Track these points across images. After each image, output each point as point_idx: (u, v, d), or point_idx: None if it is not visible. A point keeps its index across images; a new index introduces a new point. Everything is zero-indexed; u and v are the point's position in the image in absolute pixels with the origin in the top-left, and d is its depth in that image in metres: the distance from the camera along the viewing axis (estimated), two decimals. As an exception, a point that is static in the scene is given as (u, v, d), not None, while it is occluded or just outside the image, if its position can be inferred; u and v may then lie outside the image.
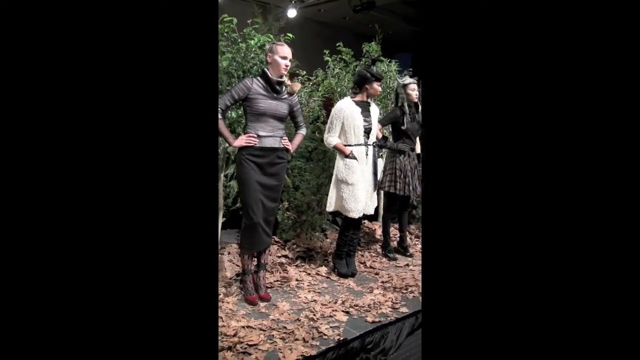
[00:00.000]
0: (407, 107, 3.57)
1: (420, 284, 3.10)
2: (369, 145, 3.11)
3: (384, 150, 3.71)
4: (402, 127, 3.54)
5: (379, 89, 3.13)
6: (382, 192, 4.15)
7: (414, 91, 3.58)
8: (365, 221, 4.34)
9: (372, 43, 4.53)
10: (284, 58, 2.55)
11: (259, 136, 2.55)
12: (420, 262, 3.68)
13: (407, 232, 4.04)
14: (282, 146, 2.64)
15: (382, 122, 3.57)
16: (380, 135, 3.50)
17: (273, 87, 2.58)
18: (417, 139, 3.72)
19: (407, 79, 3.61)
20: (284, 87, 2.64)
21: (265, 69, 2.59)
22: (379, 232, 4.21)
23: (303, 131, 2.85)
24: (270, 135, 2.59)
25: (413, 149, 3.65)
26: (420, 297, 2.89)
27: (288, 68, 2.59)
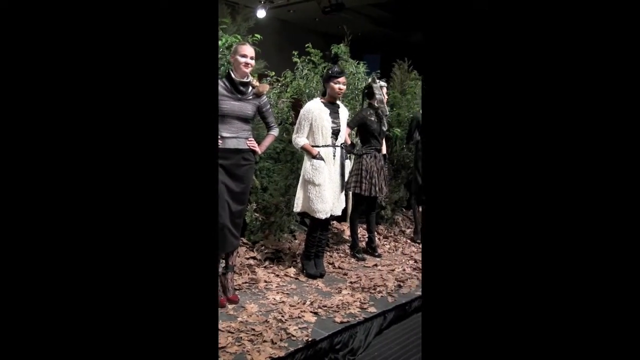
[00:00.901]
0: (384, 108, 3.62)
1: (387, 284, 3.13)
2: (337, 146, 3.12)
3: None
4: (383, 128, 3.58)
5: (337, 87, 3.08)
6: (349, 192, 4.18)
7: (386, 94, 3.65)
8: (334, 222, 4.36)
9: (341, 44, 4.56)
10: (244, 56, 2.53)
11: (222, 137, 2.53)
12: (388, 262, 3.72)
13: (376, 233, 4.08)
14: (248, 147, 2.62)
15: (350, 124, 3.59)
16: (349, 141, 3.52)
17: (237, 88, 2.56)
18: (383, 140, 3.77)
19: (380, 82, 3.67)
20: (249, 88, 2.62)
21: (230, 70, 2.58)
22: (347, 233, 4.23)
23: (274, 132, 2.83)
24: (234, 137, 2.56)
25: (379, 150, 3.70)
26: (388, 297, 2.92)
27: (249, 67, 2.56)
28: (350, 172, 3.63)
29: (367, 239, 4.02)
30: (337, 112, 3.13)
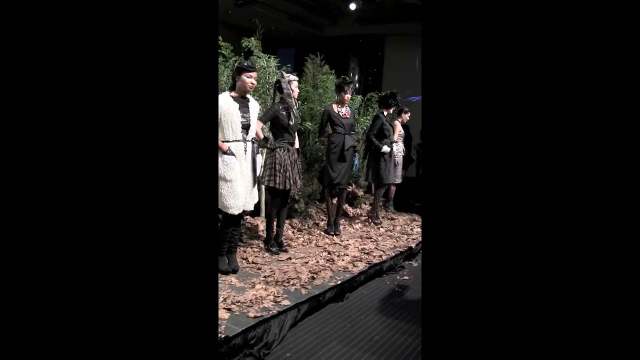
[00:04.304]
0: (292, 103, 3.63)
1: (301, 276, 3.17)
2: (248, 141, 3.10)
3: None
4: (285, 122, 3.59)
5: (249, 81, 3.04)
6: (262, 187, 4.17)
7: (296, 87, 3.67)
8: (248, 217, 4.33)
9: (252, 38, 4.51)
10: None
11: None
12: (302, 255, 3.76)
13: (290, 227, 4.10)
14: None
15: (263, 119, 3.57)
16: (261, 135, 3.51)
17: None
18: (295, 133, 3.80)
19: (291, 76, 3.68)
20: None
21: None
22: (261, 228, 4.22)
23: None
24: None
25: (292, 144, 3.72)
26: (302, 289, 2.96)
27: None
28: (263, 166, 3.62)
29: (274, 234, 4.03)
30: (247, 107, 3.10)
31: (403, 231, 5.07)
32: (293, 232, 4.42)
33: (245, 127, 3.05)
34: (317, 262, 3.60)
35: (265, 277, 3.15)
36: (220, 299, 2.69)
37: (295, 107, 3.76)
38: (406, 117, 5.98)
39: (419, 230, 5.15)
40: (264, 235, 4.02)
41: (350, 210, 5.67)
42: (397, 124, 5.65)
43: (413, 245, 4.52)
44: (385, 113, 5.05)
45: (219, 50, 4.30)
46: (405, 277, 3.86)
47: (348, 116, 4.43)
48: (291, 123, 3.62)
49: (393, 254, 4.11)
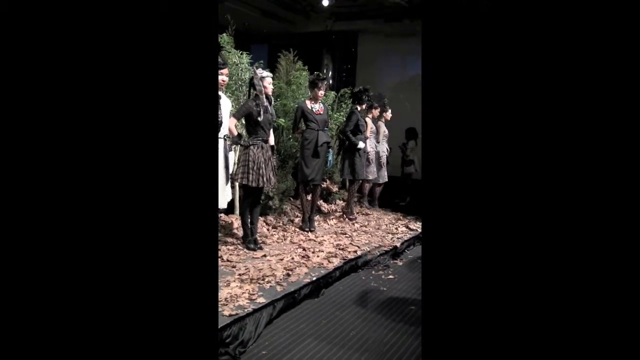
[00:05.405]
0: (263, 99, 3.60)
1: (276, 273, 3.16)
2: (220, 138, 3.06)
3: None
4: (259, 119, 3.56)
5: (219, 79, 3.02)
6: (236, 184, 4.13)
7: (270, 84, 3.63)
8: (221, 215, 4.29)
9: (224, 34, 4.46)
10: None
11: None
12: (277, 252, 3.75)
13: (265, 224, 4.08)
14: None
15: (236, 115, 3.55)
16: (235, 132, 3.48)
17: None
18: (271, 130, 3.77)
19: (264, 72, 3.64)
20: None
21: None
22: (235, 225, 4.19)
23: None
24: None
25: (266, 141, 3.70)
26: (277, 287, 2.95)
27: None
28: (237, 163, 3.59)
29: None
30: (219, 104, 3.07)
31: (388, 230, 5.04)
32: (268, 229, 4.40)
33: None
34: (292, 258, 3.59)
35: (240, 275, 3.13)
36: (195, 298, 2.66)
37: (270, 104, 3.73)
38: (388, 115, 6.01)
39: (404, 229, 5.17)
40: (238, 233, 3.99)
41: (325, 207, 5.68)
42: (368, 121, 5.67)
43: (398, 244, 4.53)
44: (359, 108, 5.07)
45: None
46: (391, 276, 3.86)
47: (322, 112, 4.42)
48: (260, 119, 3.58)
49: (368, 249, 4.13)
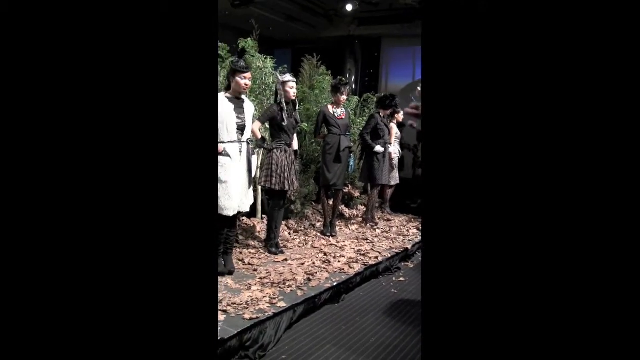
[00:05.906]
0: (284, 104, 3.61)
1: (297, 277, 3.17)
2: (243, 142, 3.08)
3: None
4: (283, 124, 3.58)
5: (242, 82, 3.02)
6: (259, 187, 4.16)
7: (292, 89, 3.64)
8: (244, 218, 4.32)
9: (248, 39, 4.50)
10: None
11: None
12: (298, 256, 3.76)
13: (286, 228, 4.08)
14: None
15: (261, 119, 3.58)
16: (259, 136, 3.50)
17: None
18: (295, 135, 3.79)
19: (287, 77, 3.65)
20: None
21: None
22: (258, 229, 4.21)
23: None
24: None
25: (290, 145, 3.71)
26: (298, 291, 2.96)
27: None
28: (260, 167, 3.61)
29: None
30: (242, 107, 3.08)
31: (399, 232, 5.06)
32: (289, 233, 4.41)
33: (241, 128, 3.04)
34: (313, 263, 3.59)
35: (261, 278, 3.14)
36: (216, 301, 2.68)
37: (294, 108, 3.74)
38: (400, 117, 5.98)
39: (415, 231, 5.16)
40: (261, 236, 4.01)
41: (347, 212, 5.67)
42: (393, 126, 5.64)
43: (409, 247, 4.52)
44: (382, 114, 5.05)
45: (216, 51, 4.29)
46: (402, 279, 3.86)
47: (343, 117, 4.42)
48: (284, 124, 3.60)
49: (389, 255, 4.11)
